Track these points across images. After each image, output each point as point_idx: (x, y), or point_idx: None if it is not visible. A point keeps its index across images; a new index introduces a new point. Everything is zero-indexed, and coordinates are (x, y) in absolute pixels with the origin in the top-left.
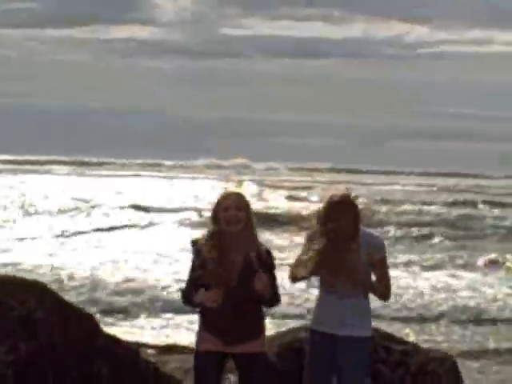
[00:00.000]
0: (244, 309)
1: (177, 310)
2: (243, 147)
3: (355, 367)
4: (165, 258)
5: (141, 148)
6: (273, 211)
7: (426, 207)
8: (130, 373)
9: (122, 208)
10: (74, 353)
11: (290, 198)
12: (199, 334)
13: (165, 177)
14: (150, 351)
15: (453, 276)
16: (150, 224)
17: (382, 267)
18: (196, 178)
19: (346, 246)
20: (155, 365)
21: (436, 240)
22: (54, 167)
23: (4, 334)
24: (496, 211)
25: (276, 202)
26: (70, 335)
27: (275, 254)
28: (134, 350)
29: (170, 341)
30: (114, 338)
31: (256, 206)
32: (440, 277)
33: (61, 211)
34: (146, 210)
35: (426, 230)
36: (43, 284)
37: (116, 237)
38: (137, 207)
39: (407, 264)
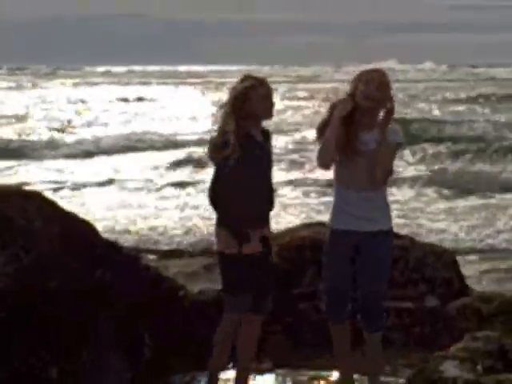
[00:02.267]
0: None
1: None
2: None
3: (378, 262)
4: None
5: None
6: None
7: None
8: (132, 278)
9: None
10: (75, 260)
11: None
12: (219, 235)
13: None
14: (150, 257)
15: None
16: None
17: (391, 151)
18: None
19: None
20: (157, 269)
21: None
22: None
23: (4, 244)
24: None
25: None
26: (71, 243)
27: None
28: (134, 255)
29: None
30: (114, 245)
31: None
32: None
33: None
34: None
35: None
36: (41, 193)
37: None
38: None
39: None
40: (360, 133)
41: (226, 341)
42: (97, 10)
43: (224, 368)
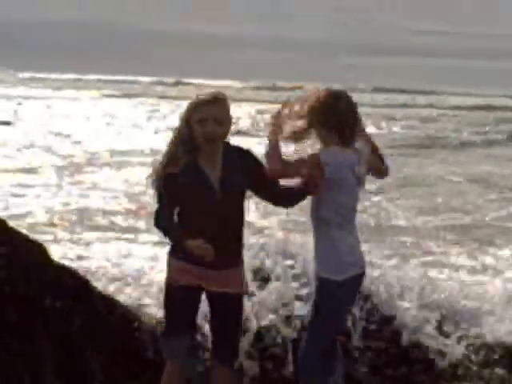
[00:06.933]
0: (229, 227)
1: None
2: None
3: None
4: None
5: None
6: None
7: None
8: (83, 306)
9: None
10: (24, 285)
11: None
12: (171, 265)
13: None
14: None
15: None
16: None
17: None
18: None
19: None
20: (110, 298)
21: None
22: None
23: None
24: None
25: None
26: (20, 265)
27: None
28: (85, 281)
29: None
30: (66, 269)
31: None
32: None
33: None
34: None
35: None
36: None
37: None
38: None
39: None
40: None
41: None
42: None
43: None
